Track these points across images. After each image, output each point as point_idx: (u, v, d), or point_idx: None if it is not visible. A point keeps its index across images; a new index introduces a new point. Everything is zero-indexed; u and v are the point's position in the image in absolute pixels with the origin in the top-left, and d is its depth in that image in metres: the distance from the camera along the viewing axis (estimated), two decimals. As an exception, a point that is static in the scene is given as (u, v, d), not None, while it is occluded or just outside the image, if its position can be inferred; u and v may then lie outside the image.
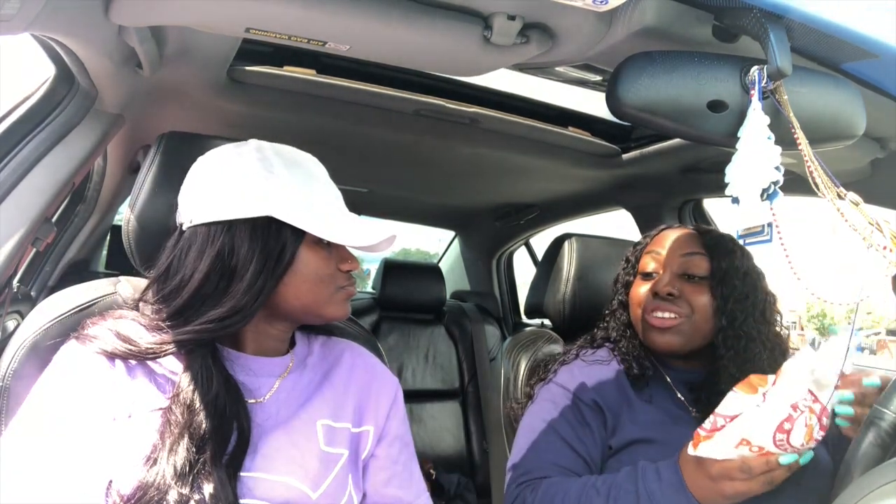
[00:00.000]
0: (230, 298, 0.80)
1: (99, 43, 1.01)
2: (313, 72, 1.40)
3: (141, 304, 0.87)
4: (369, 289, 2.99)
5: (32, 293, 1.62)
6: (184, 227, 0.83)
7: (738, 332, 1.08)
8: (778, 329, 1.14)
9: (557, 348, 1.46)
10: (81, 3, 0.87)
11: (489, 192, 2.43)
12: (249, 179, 0.81)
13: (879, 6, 0.80)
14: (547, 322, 1.58)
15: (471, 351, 2.68)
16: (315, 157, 0.90)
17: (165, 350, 0.79)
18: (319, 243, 0.84)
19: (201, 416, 0.77)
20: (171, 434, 0.75)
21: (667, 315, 1.11)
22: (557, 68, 1.33)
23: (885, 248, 0.70)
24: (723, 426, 0.86)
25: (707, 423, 0.88)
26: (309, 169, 0.86)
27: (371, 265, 3.24)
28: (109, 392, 0.77)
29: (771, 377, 0.86)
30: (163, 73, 1.24)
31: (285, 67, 1.39)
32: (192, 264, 0.80)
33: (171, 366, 0.81)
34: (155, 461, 0.73)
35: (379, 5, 0.87)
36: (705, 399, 1.10)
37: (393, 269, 2.68)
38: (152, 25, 1.04)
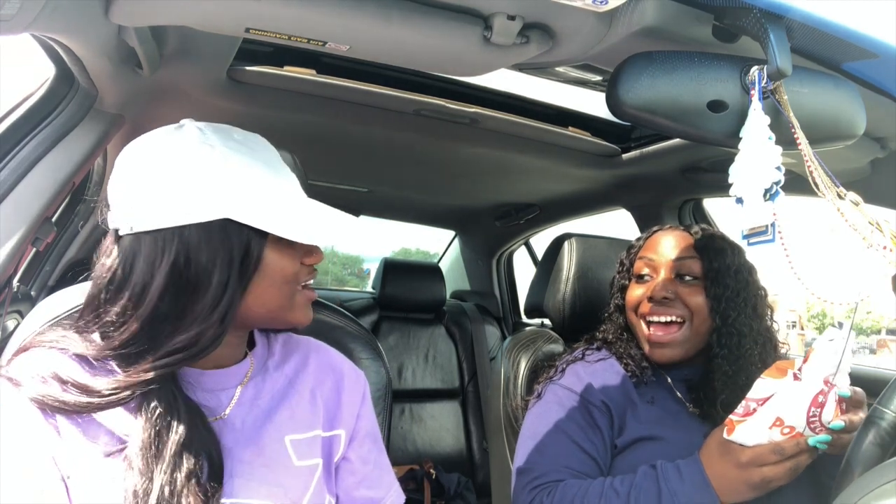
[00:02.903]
0: (194, 320, 0.70)
1: (99, 43, 1.01)
2: (313, 72, 1.40)
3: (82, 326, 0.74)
4: (369, 289, 2.99)
5: (32, 293, 1.62)
6: (120, 233, 0.72)
7: (731, 329, 1.10)
8: (768, 323, 1.16)
9: (557, 348, 1.46)
10: (81, 3, 0.87)
11: (489, 192, 2.42)
12: (199, 173, 0.70)
13: (879, 6, 0.80)
14: (547, 322, 1.58)
15: (471, 351, 2.68)
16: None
17: (127, 396, 0.68)
18: (284, 239, 0.74)
19: (168, 462, 0.67)
20: (141, 483, 0.66)
21: (664, 319, 1.12)
22: (557, 68, 1.33)
23: (885, 248, 0.70)
24: (754, 410, 0.87)
25: (739, 409, 0.89)
26: (260, 152, 0.76)
27: (371, 265, 3.24)
28: (54, 446, 0.67)
29: (797, 360, 0.88)
30: (163, 73, 1.24)
31: (285, 67, 1.38)
32: (142, 279, 0.70)
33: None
34: None
35: (379, 5, 0.87)
36: (703, 398, 1.11)
37: (393, 269, 2.68)
38: (152, 25, 1.04)
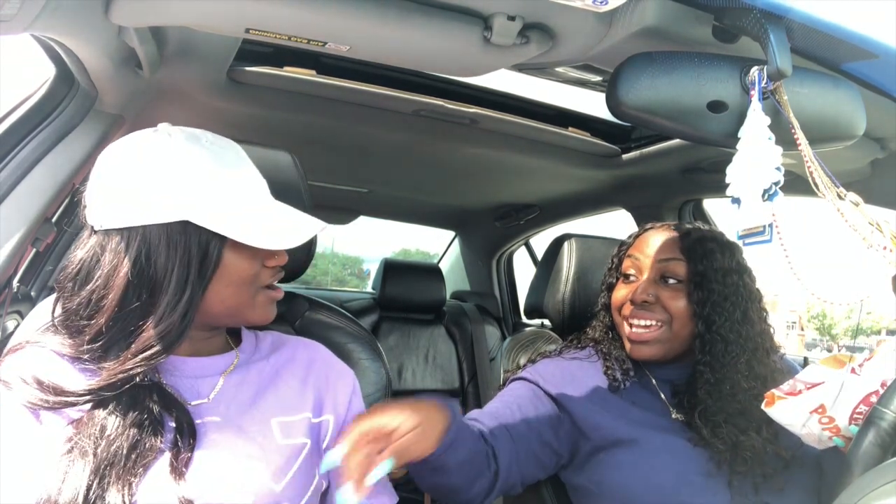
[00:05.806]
0: (159, 317, 0.73)
1: (99, 43, 1.01)
2: (313, 72, 1.40)
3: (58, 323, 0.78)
4: (369, 289, 2.99)
5: (32, 293, 1.62)
6: (95, 229, 0.76)
7: (716, 336, 1.06)
8: (762, 327, 1.11)
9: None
10: (81, 4, 0.87)
11: (489, 192, 2.42)
12: (162, 176, 0.74)
13: (879, 6, 0.80)
14: (547, 322, 1.58)
15: (471, 351, 2.68)
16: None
17: (100, 397, 0.72)
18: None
19: (116, 436, 0.71)
20: (84, 460, 0.69)
21: (644, 322, 1.09)
22: (557, 68, 1.33)
23: (885, 248, 0.70)
24: (800, 391, 0.87)
25: (785, 386, 0.89)
26: (226, 156, 0.79)
27: (371, 265, 3.24)
28: (36, 442, 0.72)
29: (858, 355, 0.88)
30: (163, 74, 1.24)
31: (285, 68, 1.38)
32: (106, 274, 0.74)
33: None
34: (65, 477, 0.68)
35: (379, 6, 0.87)
36: (686, 403, 1.08)
37: (393, 269, 2.68)
38: (152, 26, 1.04)
